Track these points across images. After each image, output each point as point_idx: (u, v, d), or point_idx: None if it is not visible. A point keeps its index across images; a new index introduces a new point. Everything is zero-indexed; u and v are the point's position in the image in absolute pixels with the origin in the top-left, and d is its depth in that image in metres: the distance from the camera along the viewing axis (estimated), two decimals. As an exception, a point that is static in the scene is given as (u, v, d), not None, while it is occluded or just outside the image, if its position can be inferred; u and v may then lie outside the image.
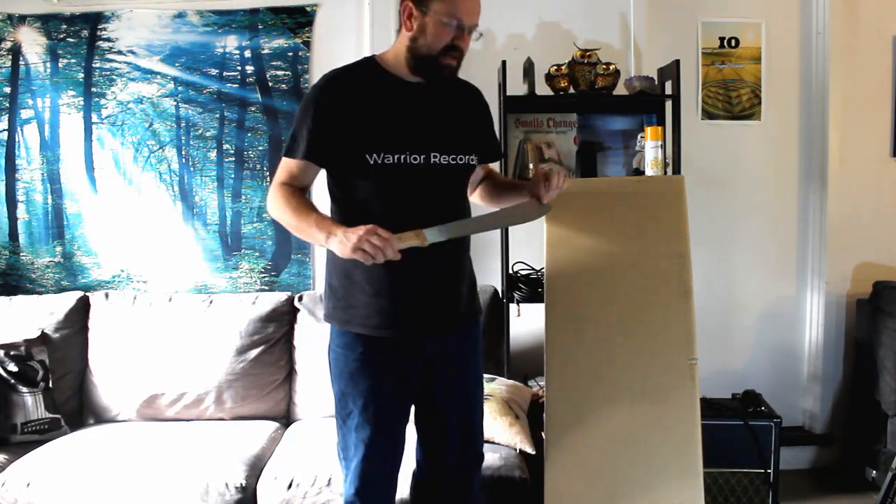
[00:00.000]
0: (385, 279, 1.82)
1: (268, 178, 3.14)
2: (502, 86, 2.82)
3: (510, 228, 2.82)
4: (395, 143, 1.81)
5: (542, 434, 2.08)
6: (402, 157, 1.81)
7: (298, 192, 1.85)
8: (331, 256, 1.87)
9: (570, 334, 1.98)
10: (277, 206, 1.83)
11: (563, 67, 2.85)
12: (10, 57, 3.10)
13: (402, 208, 1.82)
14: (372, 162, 1.78)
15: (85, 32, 3.09)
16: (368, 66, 1.88)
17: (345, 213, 1.85)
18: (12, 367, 2.66)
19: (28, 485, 2.31)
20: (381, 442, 1.87)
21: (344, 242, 1.67)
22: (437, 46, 1.80)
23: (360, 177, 1.81)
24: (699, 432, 1.87)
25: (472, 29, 1.82)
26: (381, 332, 1.84)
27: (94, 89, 3.11)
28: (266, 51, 3.11)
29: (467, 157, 1.91)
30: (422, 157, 1.83)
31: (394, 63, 1.86)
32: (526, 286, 2.81)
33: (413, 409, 1.97)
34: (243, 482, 2.30)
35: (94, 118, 3.12)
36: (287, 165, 1.86)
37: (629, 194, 2.12)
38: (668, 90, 2.89)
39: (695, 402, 1.88)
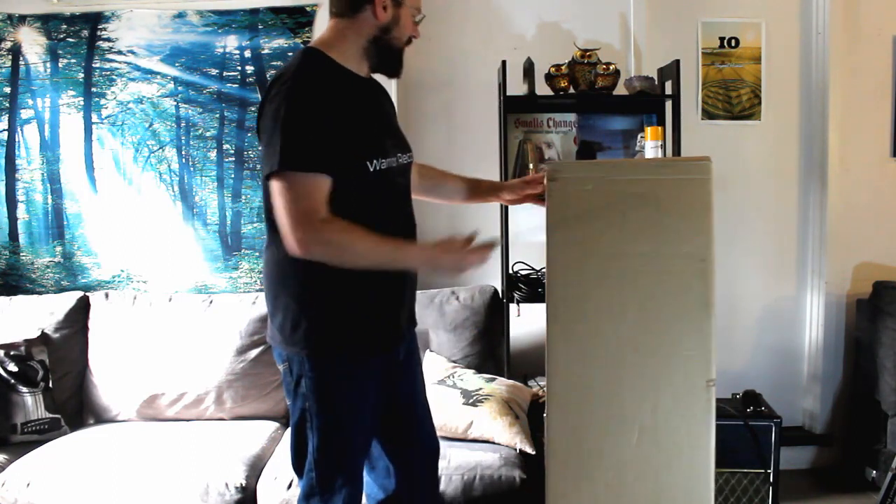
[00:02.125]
0: (383, 291, 1.70)
1: (268, 178, 3.14)
2: (502, 86, 2.82)
3: (510, 228, 2.82)
4: (384, 146, 1.69)
5: (542, 435, 2.07)
6: (389, 161, 1.69)
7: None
8: (305, 278, 1.64)
9: (574, 350, 1.74)
10: (359, 244, 1.58)
11: (563, 67, 2.85)
12: (10, 57, 3.10)
13: (393, 215, 1.74)
14: (372, 169, 1.64)
15: (85, 32, 3.09)
16: (327, 62, 1.66)
17: None
18: (12, 367, 2.66)
19: (28, 485, 2.31)
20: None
21: (456, 260, 1.63)
22: (405, 38, 1.72)
23: (358, 187, 1.63)
24: (713, 458, 1.70)
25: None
26: (383, 347, 1.73)
27: (94, 89, 3.11)
28: (266, 51, 3.10)
29: (411, 153, 1.84)
30: (396, 159, 1.73)
31: (342, 57, 1.67)
32: (526, 286, 2.81)
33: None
34: (243, 482, 2.31)
35: (94, 118, 3.12)
36: (307, 185, 1.54)
37: (644, 182, 1.77)
38: (668, 90, 2.89)
39: (710, 427, 1.71)
